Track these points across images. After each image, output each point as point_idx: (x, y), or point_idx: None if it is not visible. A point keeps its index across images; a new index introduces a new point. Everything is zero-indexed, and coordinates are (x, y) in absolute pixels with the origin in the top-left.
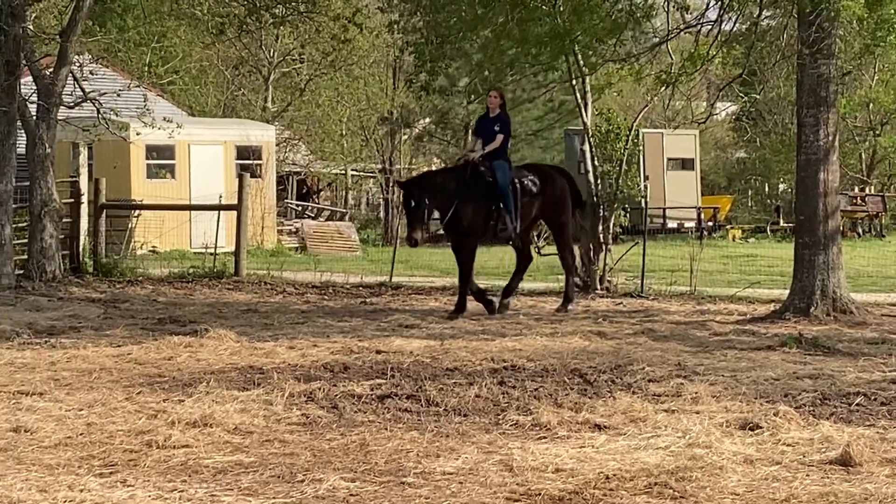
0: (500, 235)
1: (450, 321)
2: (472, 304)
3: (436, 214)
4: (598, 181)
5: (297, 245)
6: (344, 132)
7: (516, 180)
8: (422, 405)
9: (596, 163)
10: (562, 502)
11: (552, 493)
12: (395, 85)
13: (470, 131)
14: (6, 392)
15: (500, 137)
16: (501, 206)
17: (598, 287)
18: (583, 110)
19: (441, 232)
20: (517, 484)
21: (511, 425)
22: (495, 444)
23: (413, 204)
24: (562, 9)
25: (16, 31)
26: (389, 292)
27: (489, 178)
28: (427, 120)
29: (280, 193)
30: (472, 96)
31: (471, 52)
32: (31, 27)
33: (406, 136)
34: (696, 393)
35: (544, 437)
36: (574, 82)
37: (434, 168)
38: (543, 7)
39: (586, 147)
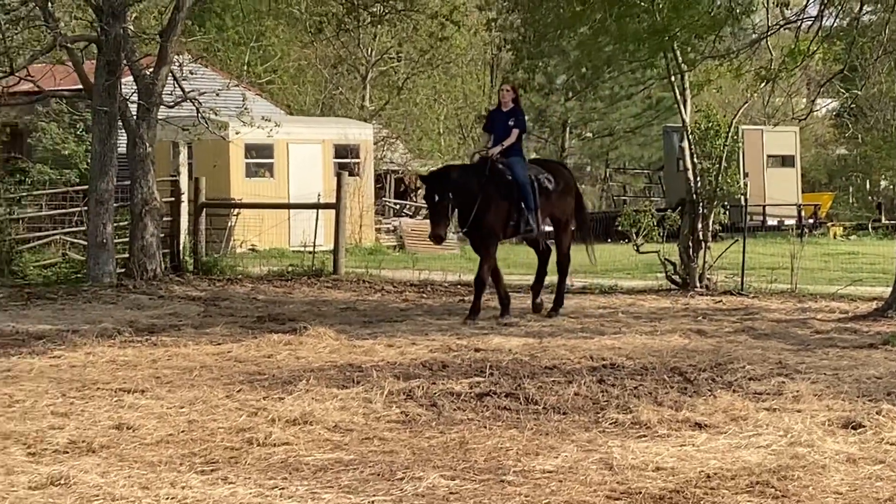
0: (524, 235)
1: (466, 323)
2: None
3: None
4: (698, 178)
5: (395, 243)
6: (441, 130)
7: (533, 177)
8: (521, 403)
9: (695, 160)
10: (662, 501)
11: (653, 492)
12: (493, 82)
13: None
14: (109, 389)
15: (515, 132)
16: (522, 204)
17: (698, 285)
18: (682, 107)
19: (460, 233)
20: (617, 482)
21: (611, 423)
22: (595, 443)
23: (437, 199)
24: (661, 5)
25: (116, 32)
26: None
27: (508, 175)
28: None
29: (378, 192)
30: (570, 94)
31: (568, 50)
32: (131, 27)
33: None
34: (797, 391)
35: (644, 436)
36: (672, 79)
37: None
38: (642, 3)
39: (685, 144)
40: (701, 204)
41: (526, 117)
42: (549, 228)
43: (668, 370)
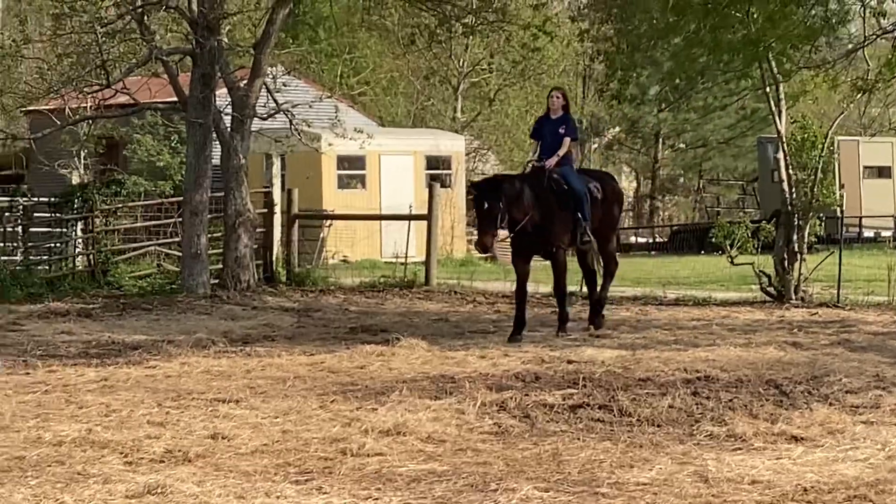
0: (582, 246)
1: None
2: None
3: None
4: (793, 190)
5: (486, 255)
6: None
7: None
8: (614, 415)
9: (790, 171)
10: None
11: None
12: (585, 94)
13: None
14: (204, 399)
15: (567, 140)
16: (579, 215)
17: (793, 297)
18: (776, 118)
19: (507, 241)
20: (712, 495)
21: (705, 436)
22: (689, 455)
23: (486, 207)
24: (755, 15)
25: (211, 44)
26: (580, 302)
27: (564, 185)
28: (617, 129)
29: (470, 203)
30: (663, 104)
31: (661, 61)
32: (225, 40)
33: (595, 145)
34: (895, 404)
35: (739, 449)
36: (767, 90)
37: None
38: (736, 14)
39: (780, 155)
40: (796, 215)
41: (576, 125)
42: None
43: (763, 383)
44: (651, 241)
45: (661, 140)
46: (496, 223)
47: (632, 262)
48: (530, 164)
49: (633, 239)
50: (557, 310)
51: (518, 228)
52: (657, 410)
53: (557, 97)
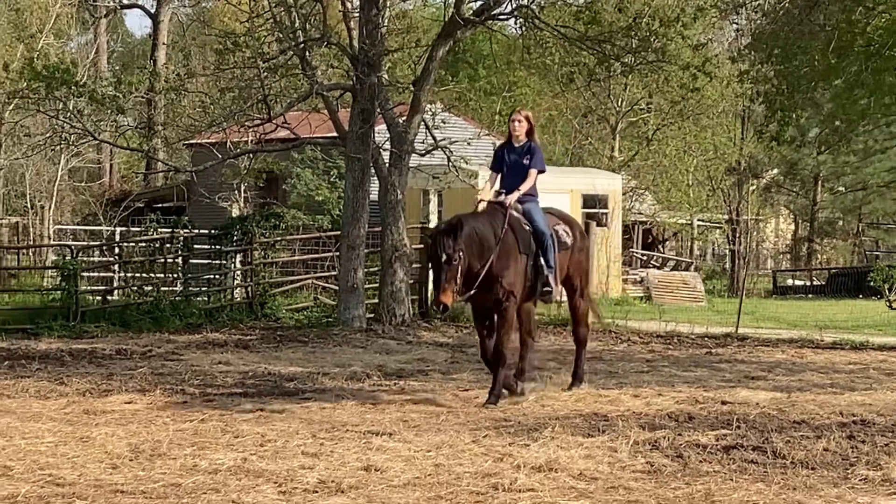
0: (543, 299)
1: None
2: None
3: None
4: None
5: (641, 294)
6: (690, 182)
7: (551, 228)
8: (768, 457)
9: None
10: None
11: None
12: (744, 135)
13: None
14: (357, 431)
15: (533, 173)
16: (542, 261)
17: None
18: None
19: (468, 294)
20: None
21: (860, 480)
22: (843, 499)
23: (444, 258)
24: None
25: (371, 81)
26: (735, 343)
27: (525, 225)
28: (775, 171)
29: (625, 242)
30: (823, 147)
31: (821, 102)
32: (385, 76)
33: (753, 187)
34: None
35: (895, 493)
36: None
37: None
38: None
39: None
40: None
41: (543, 154)
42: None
43: None
44: (808, 283)
45: (820, 182)
46: (456, 277)
47: (789, 304)
48: (483, 203)
49: (790, 281)
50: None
51: (479, 282)
52: (811, 453)
53: (519, 121)
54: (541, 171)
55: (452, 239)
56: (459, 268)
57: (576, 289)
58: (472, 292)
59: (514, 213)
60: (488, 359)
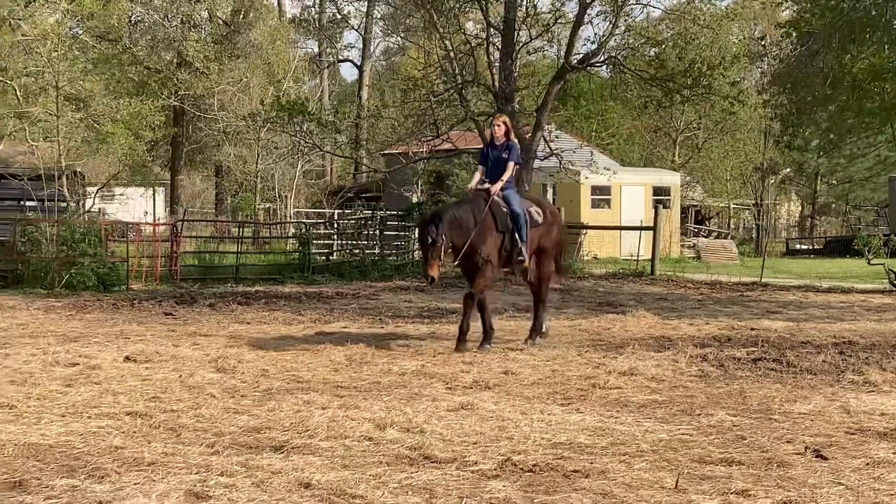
0: (516, 266)
1: (482, 350)
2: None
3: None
4: None
5: (693, 255)
6: (728, 178)
7: (525, 210)
8: (783, 366)
9: None
10: (886, 436)
11: (878, 430)
12: (765, 144)
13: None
14: (500, 347)
15: (510, 165)
16: (517, 236)
17: None
18: None
19: (454, 263)
20: (852, 422)
21: (848, 382)
22: (836, 395)
23: (430, 241)
24: (888, 89)
25: (507, 109)
26: (759, 289)
27: (504, 208)
28: (787, 169)
29: (682, 219)
30: (821, 152)
31: (820, 122)
32: (517, 105)
33: (772, 181)
34: None
35: (873, 391)
36: None
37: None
38: (875, 88)
39: None
40: None
41: (519, 149)
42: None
43: (890, 346)
44: (811, 247)
45: (819, 177)
46: (440, 255)
47: (798, 262)
48: (472, 191)
49: (798, 246)
50: (481, 327)
51: (462, 254)
52: (814, 363)
53: (499, 126)
54: (517, 164)
55: (434, 225)
56: (442, 247)
57: (544, 256)
58: (457, 262)
59: (496, 199)
60: (467, 305)
